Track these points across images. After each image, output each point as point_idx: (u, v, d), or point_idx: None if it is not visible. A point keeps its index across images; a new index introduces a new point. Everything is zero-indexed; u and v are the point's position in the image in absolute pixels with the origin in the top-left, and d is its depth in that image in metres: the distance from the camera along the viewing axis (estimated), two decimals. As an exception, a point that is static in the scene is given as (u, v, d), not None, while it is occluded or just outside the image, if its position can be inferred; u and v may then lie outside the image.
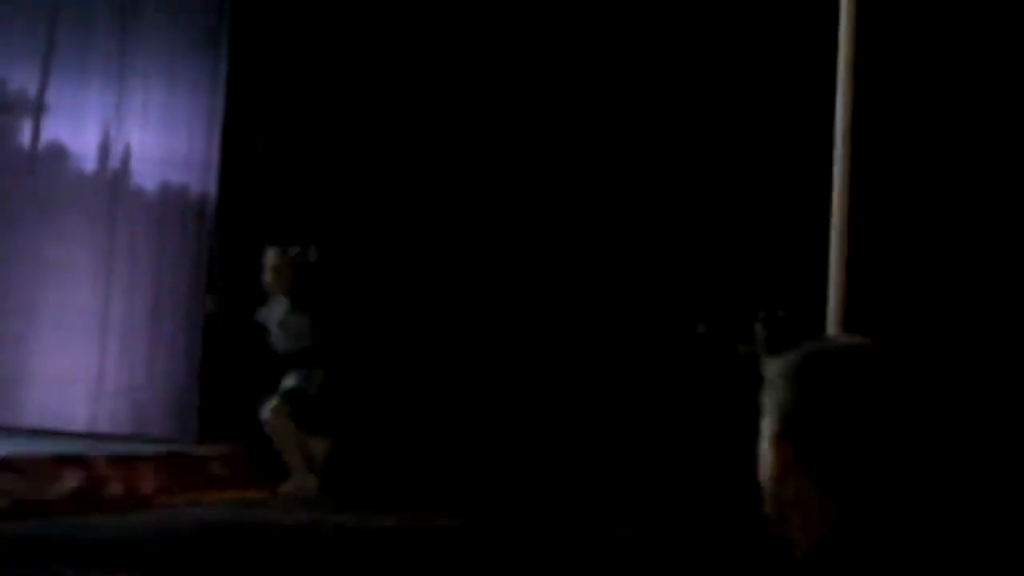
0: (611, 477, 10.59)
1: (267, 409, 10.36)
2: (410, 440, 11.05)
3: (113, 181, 12.09)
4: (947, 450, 2.20)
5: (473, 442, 10.92)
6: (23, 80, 12.13)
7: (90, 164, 12.10)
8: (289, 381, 10.50)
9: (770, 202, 10.72)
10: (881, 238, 9.68)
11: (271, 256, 10.76)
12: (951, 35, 10.02)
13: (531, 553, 8.24)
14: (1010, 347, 9.68)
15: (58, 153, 12.09)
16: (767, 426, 2.33)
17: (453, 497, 10.11)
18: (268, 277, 10.73)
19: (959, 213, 9.95)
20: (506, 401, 11.19)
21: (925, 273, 9.91)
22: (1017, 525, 7.66)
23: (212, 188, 12.01)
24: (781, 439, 2.28)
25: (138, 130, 12.08)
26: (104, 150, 12.08)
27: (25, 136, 12.12)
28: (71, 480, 9.09)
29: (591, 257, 11.30)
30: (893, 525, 2.18)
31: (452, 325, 11.44)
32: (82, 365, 11.63)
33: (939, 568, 2.17)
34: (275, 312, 10.73)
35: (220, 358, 11.66)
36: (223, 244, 11.82)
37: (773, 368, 2.32)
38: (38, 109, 12.08)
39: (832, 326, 6.80)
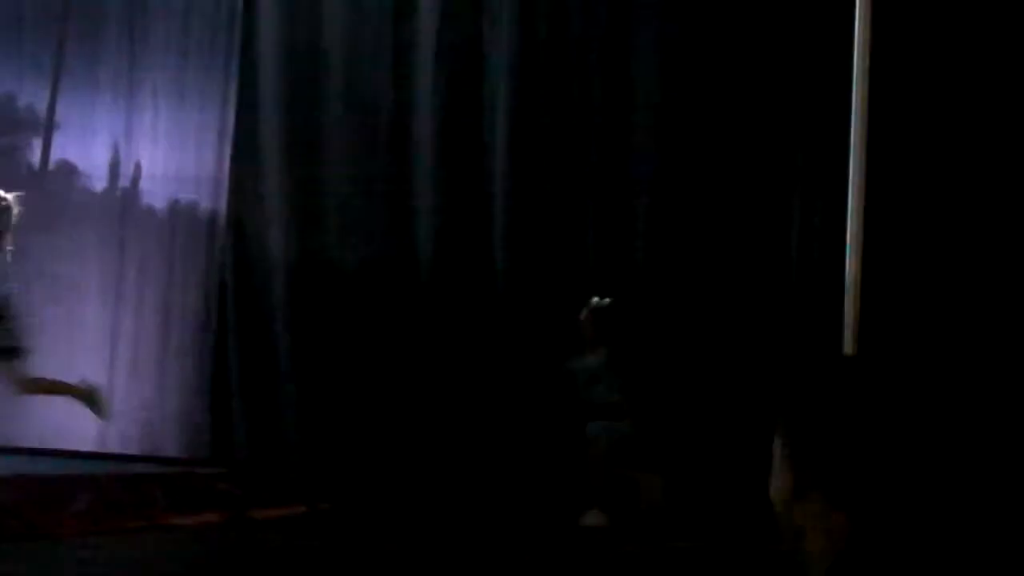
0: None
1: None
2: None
3: (123, 199, 12.09)
4: (959, 462, 2.15)
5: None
6: (32, 97, 12.15)
7: (100, 182, 12.11)
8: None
9: (786, 203, 10.62)
10: (896, 245, 9.61)
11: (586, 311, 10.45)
12: (965, 34, 9.95)
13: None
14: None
15: (68, 171, 12.10)
16: (778, 447, 2.29)
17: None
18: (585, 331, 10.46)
19: (973, 218, 9.87)
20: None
21: (938, 279, 9.82)
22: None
23: (222, 205, 11.98)
24: (793, 459, 2.24)
25: (148, 147, 12.09)
26: (114, 168, 12.09)
27: (35, 153, 12.13)
28: (80, 501, 9.05)
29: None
30: (906, 543, 2.14)
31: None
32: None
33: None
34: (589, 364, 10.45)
35: (230, 377, 11.62)
36: (234, 261, 11.78)
37: (784, 388, 2.29)
38: (48, 126, 12.09)
39: (848, 334, 6.77)
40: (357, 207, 11.61)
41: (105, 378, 11.28)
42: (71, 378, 10.55)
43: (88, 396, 10.16)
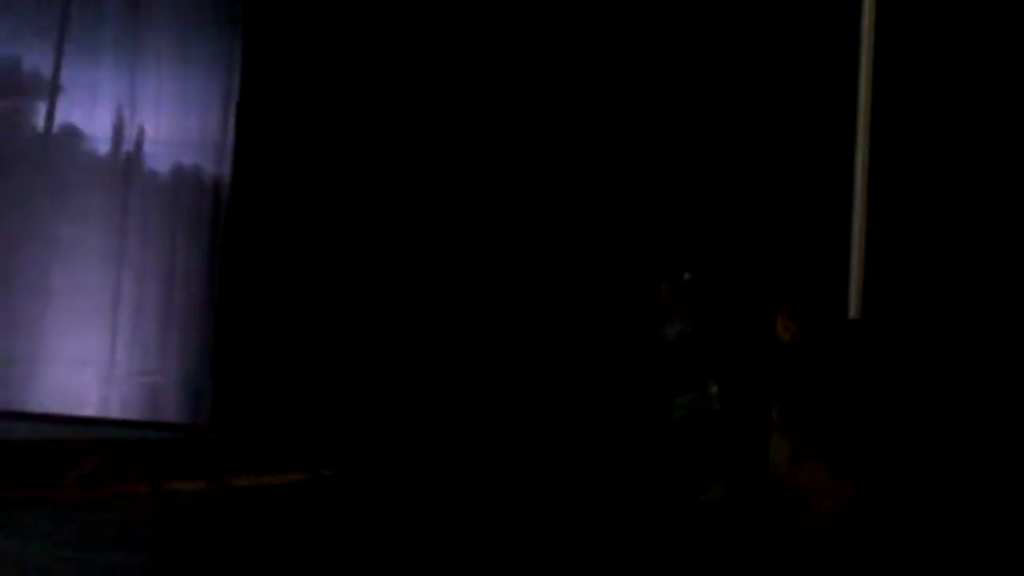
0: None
1: None
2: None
3: (127, 163, 12.05)
4: (960, 429, 2.13)
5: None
6: (36, 62, 12.11)
7: (104, 146, 12.07)
8: None
9: (793, 192, 10.65)
10: (900, 229, 9.63)
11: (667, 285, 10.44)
12: (968, 33, 10.00)
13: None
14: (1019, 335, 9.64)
15: (72, 135, 12.06)
16: (777, 413, 2.27)
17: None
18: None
19: (974, 190, 9.91)
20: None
21: (939, 261, 9.85)
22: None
23: (226, 170, 11.95)
24: (792, 425, 2.21)
25: (152, 112, 12.05)
26: (118, 132, 12.05)
27: (39, 118, 12.09)
28: (84, 465, 9.06)
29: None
30: (909, 507, 2.12)
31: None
32: (94, 348, 11.60)
33: (955, 551, 2.10)
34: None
35: (234, 342, 11.61)
36: (237, 227, 11.77)
37: (783, 355, 2.26)
38: (52, 91, 12.05)
39: (853, 298, 6.75)
40: (364, 174, 11.60)
41: (107, 342, 11.27)
42: (74, 342, 10.58)
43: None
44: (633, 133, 11.22)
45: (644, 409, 10.39)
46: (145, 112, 12.05)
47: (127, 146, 12.04)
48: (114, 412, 11.50)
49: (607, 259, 11.16)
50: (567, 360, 11.02)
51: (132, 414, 11.50)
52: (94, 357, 11.57)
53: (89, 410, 11.42)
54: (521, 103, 11.47)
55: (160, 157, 12.08)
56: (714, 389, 9.97)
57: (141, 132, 12.05)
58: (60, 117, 12.04)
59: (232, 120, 11.96)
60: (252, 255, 11.60)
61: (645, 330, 10.28)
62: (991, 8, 9.98)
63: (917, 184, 9.93)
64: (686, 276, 10.09)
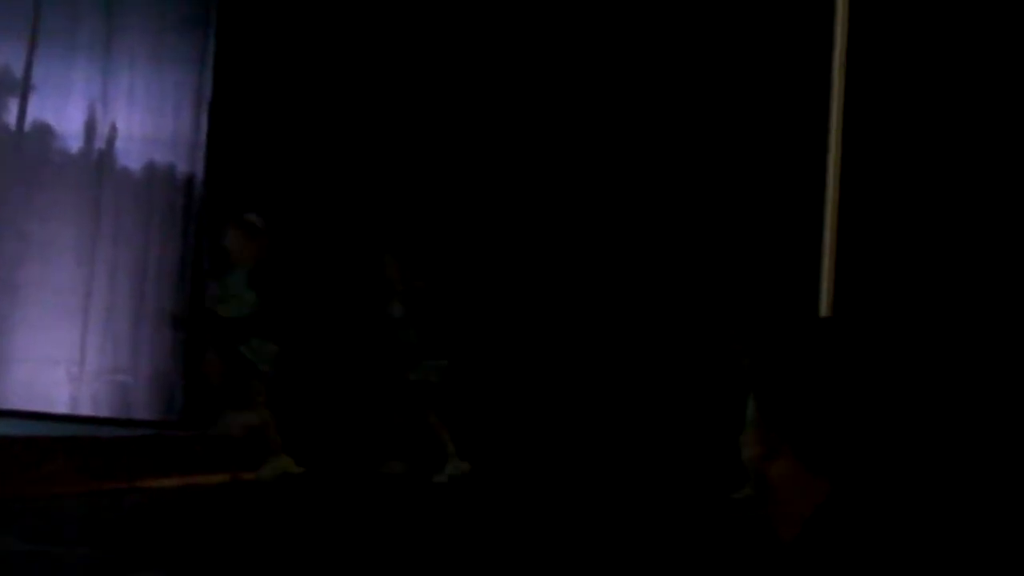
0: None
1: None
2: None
3: (99, 161, 12.01)
4: (930, 425, 2.15)
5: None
6: (8, 58, 12.05)
7: (76, 143, 12.03)
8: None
9: (762, 210, 10.71)
10: (871, 226, 9.68)
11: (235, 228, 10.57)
12: (939, 35, 10.07)
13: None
14: (993, 333, 9.69)
15: (44, 132, 12.01)
16: (752, 408, 2.29)
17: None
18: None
19: (946, 211, 9.99)
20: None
21: (910, 258, 9.91)
22: (1003, 499, 7.64)
23: (199, 168, 11.94)
24: (765, 420, 2.24)
25: (124, 109, 12.01)
26: (90, 129, 12.01)
27: (11, 114, 12.04)
28: (52, 463, 9.03)
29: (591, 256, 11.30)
30: (881, 503, 2.14)
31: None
32: (65, 346, 11.56)
33: (928, 546, 2.12)
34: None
35: (205, 340, 11.59)
36: (210, 225, 11.74)
37: (756, 351, 2.29)
38: (24, 87, 12.01)
39: (824, 296, 6.78)
40: (337, 172, 11.61)
41: (78, 340, 11.24)
42: (45, 339, 10.58)
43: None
44: (601, 134, 11.26)
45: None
46: (117, 109, 12.01)
47: (99, 143, 12.00)
48: (85, 410, 11.47)
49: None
50: None
51: (103, 411, 11.47)
52: (65, 354, 11.53)
53: (60, 407, 11.40)
54: (493, 103, 11.50)
55: (132, 154, 12.04)
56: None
57: (113, 130, 12.01)
58: (32, 114, 11.98)
59: (205, 118, 11.95)
60: (225, 253, 11.57)
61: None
62: (963, 11, 10.04)
63: (889, 182, 9.99)
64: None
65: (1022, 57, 10.00)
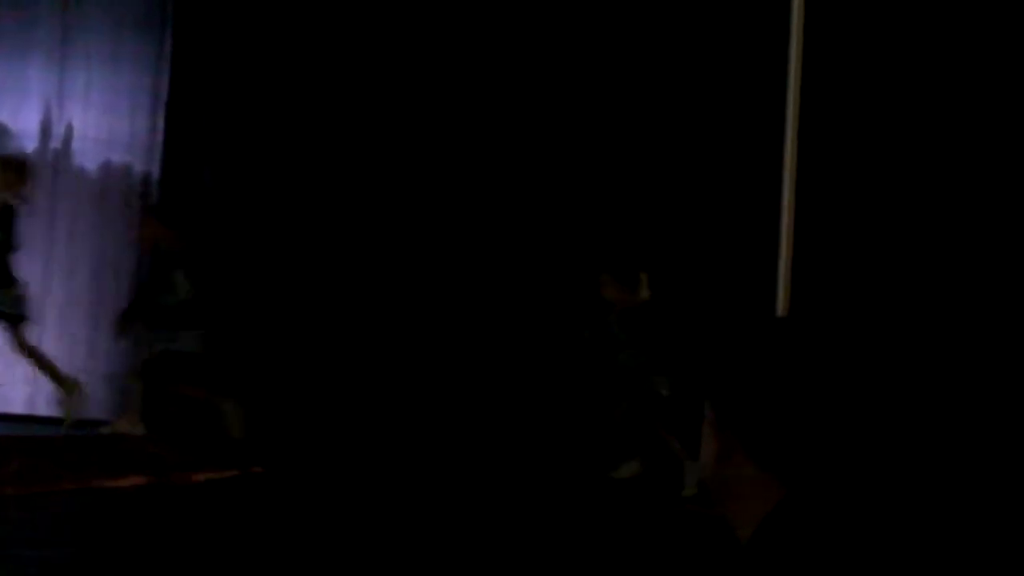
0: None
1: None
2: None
3: (55, 161, 11.97)
4: (886, 425, 2.18)
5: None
6: (-37, 59, 12.00)
7: (31, 143, 11.98)
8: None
9: (718, 211, 10.76)
10: (828, 226, 9.73)
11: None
12: (895, 33, 10.14)
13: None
14: (950, 330, 9.76)
15: (-1, 132, 11.96)
16: (707, 409, 2.31)
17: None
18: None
19: (902, 212, 10.05)
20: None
21: (867, 258, 9.97)
22: (955, 498, 7.71)
23: (155, 169, 11.91)
24: (720, 421, 2.26)
25: (80, 110, 11.98)
26: (46, 129, 11.97)
27: (-34, 114, 11.99)
28: (10, 463, 9.01)
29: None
30: (836, 503, 2.16)
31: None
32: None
33: (881, 546, 2.15)
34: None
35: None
36: (166, 225, 11.71)
37: (711, 350, 2.30)
38: (-21, 88, 11.96)
39: (781, 296, 6.82)
40: (294, 172, 11.61)
41: (35, 340, 11.19)
42: (1, 339, 10.55)
43: (69, 389, 10.54)
44: (556, 133, 11.28)
45: None
46: (73, 109, 11.98)
47: (55, 143, 11.96)
48: (41, 410, 11.43)
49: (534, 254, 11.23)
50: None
51: (59, 412, 11.43)
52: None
53: (16, 408, 11.36)
54: (452, 100, 11.51)
55: (88, 154, 12.01)
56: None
57: (69, 129, 11.98)
58: (-12, 114, 11.94)
59: (161, 118, 11.92)
60: (181, 252, 11.56)
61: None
62: (918, 8, 10.10)
63: (845, 182, 10.04)
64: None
65: (976, 53, 10.06)
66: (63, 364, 11.37)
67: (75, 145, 11.97)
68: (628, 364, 10.33)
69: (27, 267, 11.62)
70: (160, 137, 11.90)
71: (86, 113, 11.99)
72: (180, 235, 10.83)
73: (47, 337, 11.59)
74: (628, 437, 10.47)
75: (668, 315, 10.32)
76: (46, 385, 11.27)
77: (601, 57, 11.23)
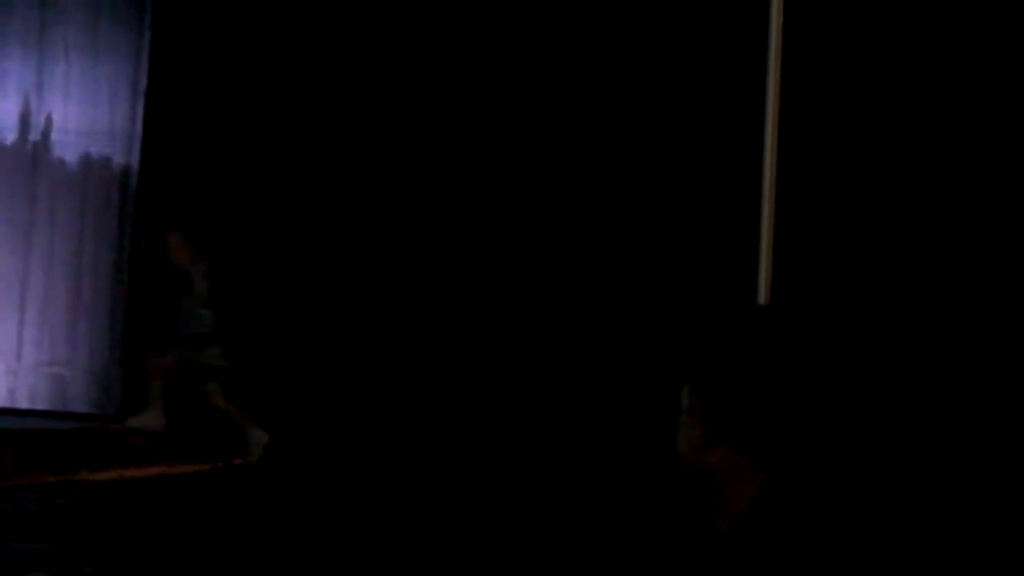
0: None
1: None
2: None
3: (34, 152, 11.94)
4: (868, 415, 2.19)
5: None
6: (-58, 50, 11.97)
7: (10, 135, 11.96)
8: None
9: (700, 203, 10.77)
10: (808, 217, 9.75)
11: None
12: (874, 30, 10.17)
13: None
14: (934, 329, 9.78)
15: (-23, 123, 11.94)
16: (687, 399, 2.31)
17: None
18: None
19: (883, 203, 10.08)
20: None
21: (848, 249, 9.99)
22: (937, 488, 7.72)
23: (135, 160, 11.88)
24: (704, 410, 2.26)
25: (59, 101, 11.95)
26: (25, 121, 11.94)
27: (-56, 106, 11.97)
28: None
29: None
30: (817, 492, 2.17)
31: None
32: (1, 339, 11.49)
33: (862, 534, 2.16)
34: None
35: (143, 332, 11.55)
36: (146, 216, 11.70)
37: (695, 340, 2.32)
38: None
39: (762, 285, 6.83)
40: (274, 163, 11.59)
41: (14, 333, 11.17)
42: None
43: (251, 436, 10.41)
44: (536, 127, 11.28)
45: None
46: (52, 100, 11.95)
47: (34, 135, 11.93)
48: (21, 403, 11.42)
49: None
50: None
51: (40, 404, 11.42)
52: (1, 347, 11.47)
53: (-3, 401, 11.36)
54: (431, 96, 11.50)
55: (68, 146, 11.98)
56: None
57: (48, 121, 11.95)
58: (-34, 106, 11.92)
59: (141, 109, 11.89)
60: (161, 245, 11.53)
61: None
62: (899, 9, 10.13)
63: (826, 173, 10.05)
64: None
65: (953, 49, 10.09)
66: (42, 355, 11.36)
67: (54, 136, 11.94)
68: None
69: (6, 259, 11.61)
70: (140, 128, 11.86)
71: (65, 104, 11.95)
72: (201, 248, 10.69)
73: (27, 328, 11.58)
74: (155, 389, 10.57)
75: (222, 283, 10.49)
76: (26, 377, 11.25)
77: (583, 48, 11.22)
